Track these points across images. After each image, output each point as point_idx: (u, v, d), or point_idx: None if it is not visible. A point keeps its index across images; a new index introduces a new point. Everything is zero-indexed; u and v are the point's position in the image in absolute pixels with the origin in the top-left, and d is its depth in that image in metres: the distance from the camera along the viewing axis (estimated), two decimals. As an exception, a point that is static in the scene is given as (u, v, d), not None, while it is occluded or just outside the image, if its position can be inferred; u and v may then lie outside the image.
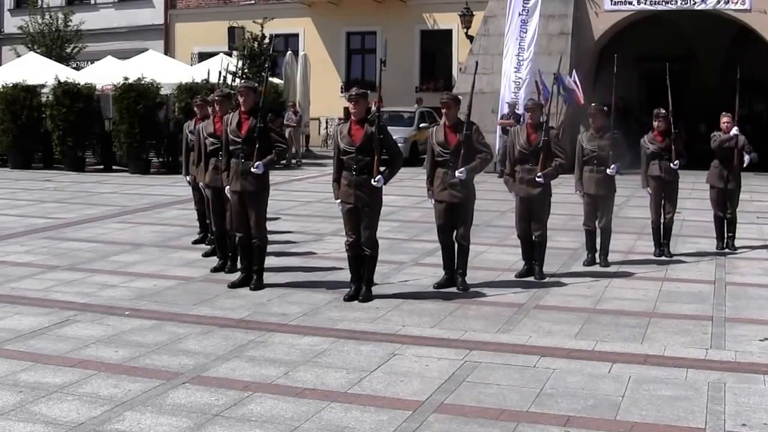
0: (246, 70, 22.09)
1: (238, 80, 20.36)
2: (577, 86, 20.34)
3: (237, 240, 8.44)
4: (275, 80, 23.30)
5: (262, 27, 23.07)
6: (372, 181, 7.67)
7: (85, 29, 28.41)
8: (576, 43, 21.93)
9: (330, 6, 28.49)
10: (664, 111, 10.17)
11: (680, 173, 10.18)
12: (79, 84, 21.06)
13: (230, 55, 23.89)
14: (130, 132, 20.11)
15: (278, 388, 5.57)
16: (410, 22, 27.97)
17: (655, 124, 10.14)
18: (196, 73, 21.51)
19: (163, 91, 20.77)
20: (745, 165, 10.48)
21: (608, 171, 9.42)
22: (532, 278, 8.86)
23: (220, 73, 14.05)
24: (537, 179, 8.65)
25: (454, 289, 8.29)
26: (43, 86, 21.54)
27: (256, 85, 9.02)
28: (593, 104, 10.29)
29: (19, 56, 26.23)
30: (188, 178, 10.42)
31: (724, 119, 10.62)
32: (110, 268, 9.34)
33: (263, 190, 8.30)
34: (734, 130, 10.38)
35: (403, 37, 27.19)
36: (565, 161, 8.82)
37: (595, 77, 25.48)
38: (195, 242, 10.69)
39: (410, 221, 12.81)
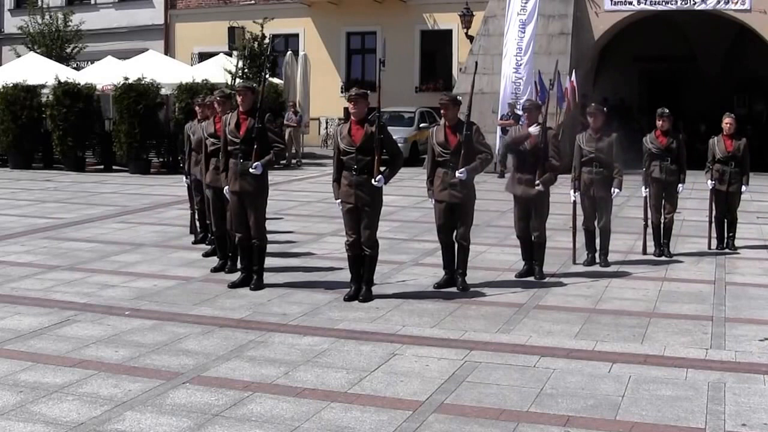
0: (246, 70, 22.10)
1: (237, 80, 20.41)
2: (573, 89, 20.33)
3: (237, 240, 8.44)
4: (275, 80, 23.29)
5: (262, 27, 23.06)
6: (372, 181, 7.68)
7: (85, 29, 28.37)
8: (576, 43, 21.93)
9: (330, 6, 28.49)
10: (667, 111, 10.12)
11: (680, 174, 10.15)
12: (79, 84, 21.08)
13: (230, 55, 23.89)
14: (130, 132, 20.12)
15: (278, 388, 5.57)
16: (410, 22, 27.96)
17: (659, 123, 10.08)
18: (196, 73, 21.54)
19: (163, 91, 20.78)
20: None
21: (612, 195, 9.45)
22: (532, 278, 8.86)
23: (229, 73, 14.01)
24: (536, 188, 8.65)
25: (454, 289, 8.29)
26: (43, 86, 21.55)
27: (255, 85, 9.03)
28: (593, 104, 10.27)
29: (19, 56, 26.20)
30: (187, 179, 10.47)
31: (726, 120, 10.59)
32: (110, 268, 9.34)
33: (262, 190, 8.30)
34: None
35: (403, 37, 27.17)
36: (559, 163, 8.78)
37: (595, 77, 25.50)
38: (195, 242, 10.69)
39: (410, 221, 12.81)
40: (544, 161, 8.65)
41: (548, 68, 20.91)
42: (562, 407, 5.27)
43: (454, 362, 6.13)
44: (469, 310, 7.64)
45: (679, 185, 10.08)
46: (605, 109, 10.09)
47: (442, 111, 8.29)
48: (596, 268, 9.51)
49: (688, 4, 21.67)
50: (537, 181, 8.63)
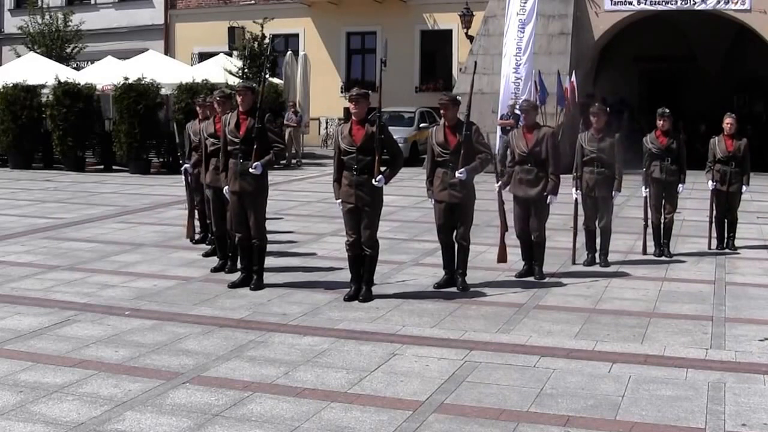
0: (246, 70, 22.10)
1: (236, 80, 20.42)
2: (573, 89, 20.35)
3: (237, 240, 8.44)
4: (275, 80, 23.29)
5: (262, 27, 23.07)
6: (373, 181, 7.68)
7: (85, 29, 28.39)
8: (576, 43, 21.94)
9: (330, 6, 28.49)
10: (668, 110, 10.12)
11: (680, 174, 10.14)
12: (79, 84, 21.08)
13: (230, 55, 23.89)
14: (130, 132, 20.13)
15: (278, 388, 5.57)
16: (410, 22, 27.97)
17: (659, 123, 10.08)
18: (196, 73, 21.53)
19: (163, 91, 20.78)
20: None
21: (613, 198, 9.51)
22: (532, 278, 8.86)
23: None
24: (548, 201, 8.69)
25: (454, 289, 8.29)
26: (43, 86, 21.56)
27: (255, 85, 9.03)
28: (596, 104, 10.27)
29: (19, 56, 26.22)
30: (187, 171, 10.43)
31: (727, 120, 10.59)
32: (110, 268, 9.34)
33: (262, 190, 8.31)
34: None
35: (403, 37, 27.17)
36: (558, 174, 8.77)
37: (595, 77, 25.50)
38: (196, 242, 10.68)
39: (410, 221, 12.81)
40: (548, 167, 8.65)
41: (548, 68, 20.96)
42: (562, 407, 5.27)
43: (454, 362, 6.13)
44: (469, 310, 7.64)
45: (680, 185, 10.09)
46: (608, 109, 10.09)
47: (441, 111, 8.29)
48: (596, 268, 9.51)
49: (688, 4, 21.68)
50: (545, 193, 8.67)
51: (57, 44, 27.88)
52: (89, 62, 26.81)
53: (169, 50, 29.97)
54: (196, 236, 10.75)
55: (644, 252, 10.21)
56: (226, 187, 8.31)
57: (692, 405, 5.31)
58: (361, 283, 7.93)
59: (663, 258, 10.08)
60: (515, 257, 9.32)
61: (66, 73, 22.04)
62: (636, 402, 5.36)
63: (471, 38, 24.81)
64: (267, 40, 22.64)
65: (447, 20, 27.45)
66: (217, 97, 9.13)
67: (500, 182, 8.92)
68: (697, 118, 24.63)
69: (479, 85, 18.74)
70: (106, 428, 4.88)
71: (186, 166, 10.22)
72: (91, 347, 6.42)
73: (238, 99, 8.29)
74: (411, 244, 10.96)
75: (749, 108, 28.46)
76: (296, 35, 28.95)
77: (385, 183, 7.79)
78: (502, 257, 8.91)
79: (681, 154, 10.08)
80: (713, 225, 10.67)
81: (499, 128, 19.81)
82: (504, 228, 8.85)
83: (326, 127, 27.92)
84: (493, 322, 7.20)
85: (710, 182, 10.60)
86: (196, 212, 10.68)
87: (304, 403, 5.31)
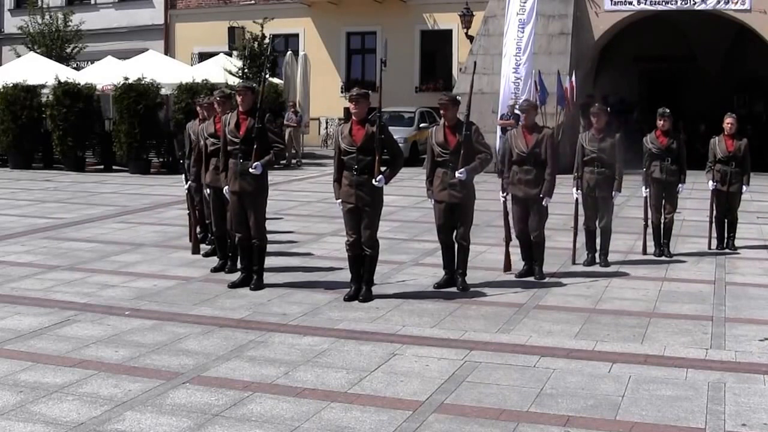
0: (246, 70, 22.10)
1: (236, 80, 20.42)
2: (572, 89, 20.36)
3: (237, 240, 8.44)
4: (275, 80, 23.29)
5: (262, 27, 23.08)
6: (373, 181, 7.68)
7: (85, 29, 28.39)
8: (576, 43, 21.94)
9: (330, 6, 28.49)
10: (668, 110, 10.12)
11: (680, 174, 10.14)
12: (79, 84, 21.09)
13: (230, 55, 23.90)
14: (130, 132, 20.13)
15: (278, 388, 5.57)
16: (410, 22, 27.97)
17: (659, 123, 10.09)
18: (196, 73, 21.54)
19: (163, 91, 20.78)
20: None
21: (613, 198, 9.50)
22: (532, 278, 8.86)
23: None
24: (543, 203, 8.67)
25: (454, 289, 8.30)
26: (43, 86, 21.57)
27: (255, 85, 9.03)
28: (597, 104, 10.26)
29: (19, 56, 26.22)
30: (188, 179, 10.40)
31: (728, 120, 10.59)
32: (110, 268, 9.34)
33: (262, 190, 8.31)
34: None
35: (403, 37, 27.17)
36: (554, 175, 8.77)
37: (595, 77, 25.50)
38: (198, 241, 10.64)
39: (410, 221, 12.82)
40: (544, 166, 8.64)
41: (548, 68, 20.96)
42: (562, 407, 5.27)
43: (454, 362, 6.13)
44: (469, 310, 7.64)
45: (680, 185, 10.09)
46: (608, 108, 10.09)
47: (441, 111, 8.30)
48: (596, 268, 9.51)
49: (688, 4, 21.68)
50: (542, 195, 8.65)
51: (57, 44, 27.88)
52: (89, 62, 26.81)
53: (169, 50, 29.97)
54: (199, 236, 10.73)
55: (644, 252, 10.22)
56: (226, 187, 8.32)
57: (692, 405, 5.31)
58: (361, 283, 7.93)
59: (663, 258, 10.08)
60: (515, 257, 9.32)
61: (66, 73, 22.04)
62: (636, 402, 5.36)
63: (471, 38, 24.81)
64: (267, 40, 22.64)
65: (447, 20, 27.46)
66: (217, 97, 9.13)
67: (506, 194, 8.91)
68: (697, 118, 24.63)
69: (479, 85, 18.74)
70: (106, 428, 4.89)
71: (191, 184, 9.98)
72: (91, 347, 6.43)
73: (238, 99, 8.29)
74: (411, 244, 10.96)
75: (749, 108, 28.45)
76: (296, 35, 28.95)
77: (386, 183, 7.79)
78: (507, 266, 9.08)
79: (681, 154, 10.09)
80: (713, 225, 10.68)
81: (499, 128, 19.81)
82: (508, 239, 8.99)
83: (326, 127, 27.93)
84: (493, 322, 7.20)
85: (710, 182, 10.61)
86: (195, 214, 10.64)
87: (304, 403, 5.31)
